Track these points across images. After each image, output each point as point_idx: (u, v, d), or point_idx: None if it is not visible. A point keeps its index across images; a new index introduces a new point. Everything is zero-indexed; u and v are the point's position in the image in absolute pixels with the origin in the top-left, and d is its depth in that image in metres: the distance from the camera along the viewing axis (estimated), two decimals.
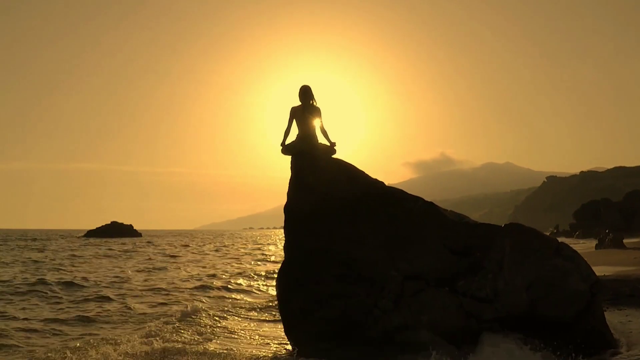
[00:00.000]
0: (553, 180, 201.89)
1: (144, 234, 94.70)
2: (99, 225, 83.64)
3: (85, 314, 12.05)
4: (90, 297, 14.67)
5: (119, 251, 40.59)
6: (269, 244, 60.00)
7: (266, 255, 37.93)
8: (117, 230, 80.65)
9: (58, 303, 13.83)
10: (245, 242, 67.80)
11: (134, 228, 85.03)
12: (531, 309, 7.34)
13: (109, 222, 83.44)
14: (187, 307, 12.49)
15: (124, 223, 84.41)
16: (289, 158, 8.79)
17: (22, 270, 22.11)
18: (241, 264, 29.49)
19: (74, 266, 25.47)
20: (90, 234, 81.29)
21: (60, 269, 23.28)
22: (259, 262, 30.72)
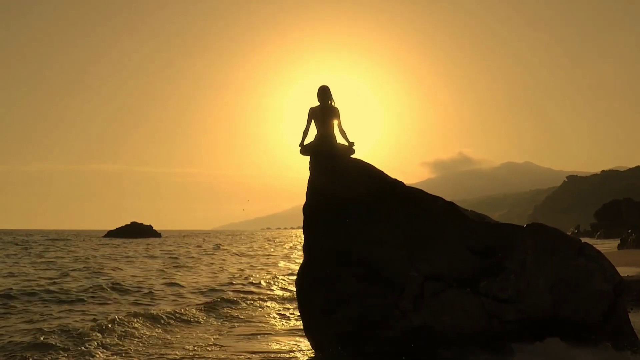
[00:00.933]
0: (573, 180, 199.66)
1: (163, 234, 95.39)
2: (119, 225, 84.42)
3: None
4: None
5: (161, 251, 40.82)
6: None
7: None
8: (137, 231, 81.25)
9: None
10: (280, 243, 67.44)
11: (154, 228, 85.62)
12: (554, 310, 7.26)
13: (129, 223, 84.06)
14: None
15: (144, 223, 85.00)
16: (306, 158, 8.78)
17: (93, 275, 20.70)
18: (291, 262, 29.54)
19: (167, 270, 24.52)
20: (111, 234, 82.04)
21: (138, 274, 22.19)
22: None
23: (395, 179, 8.25)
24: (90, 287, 16.12)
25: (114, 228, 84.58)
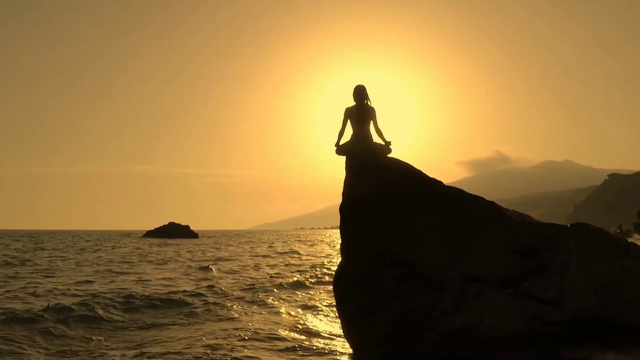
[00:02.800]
0: (615, 178, 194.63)
1: (200, 234, 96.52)
2: (157, 226, 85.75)
3: None
4: None
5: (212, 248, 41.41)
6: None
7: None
8: (174, 231, 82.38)
9: None
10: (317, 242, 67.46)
11: (190, 229, 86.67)
12: (599, 312, 7.06)
13: (167, 223, 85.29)
14: None
15: (181, 224, 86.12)
16: (341, 159, 8.75)
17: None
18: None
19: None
20: (150, 234, 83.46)
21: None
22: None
23: (434, 178, 8.15)
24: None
25: (152, 228, 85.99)
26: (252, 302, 13.77)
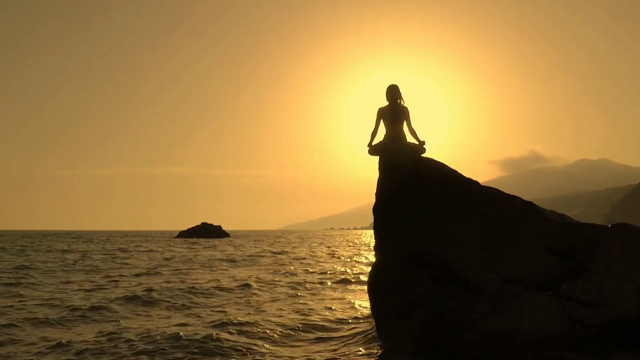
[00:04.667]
0: None
1: (231, 234, 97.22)
2: (190, 226, 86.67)
3: None
4: None
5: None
6: None
7: None
8: (207, 231, 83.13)
9: None
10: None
11: (222, 229, 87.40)
12: None
13: (199, 223, 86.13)
14: None
15: (213, 224, 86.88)
16: (372, 159, 8.71)
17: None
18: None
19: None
20: (183, 234, 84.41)
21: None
22: None
23: (470, 178, 8.04)
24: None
25: (186, 228, 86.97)
26: None
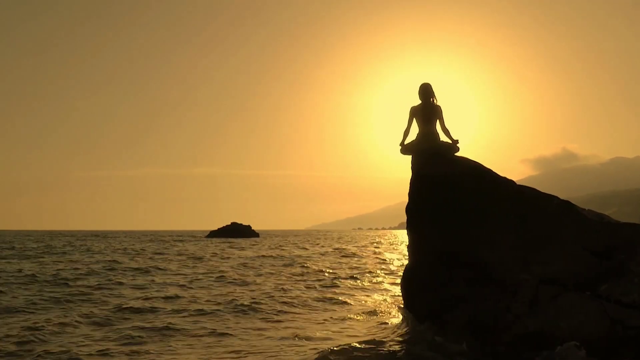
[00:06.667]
0: None
1: (260, 234, 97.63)
2: (219, 226, 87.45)
3: None
4: None
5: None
6: None
7: None
8: (237, 231, 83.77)
9: None
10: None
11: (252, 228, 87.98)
12: None
13: (229, 223, 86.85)
14: None
15: (242, 224, 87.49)
16: (403, 158, 8.66)
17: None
18: None
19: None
20: (213, 234, 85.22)
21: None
22: None
23: (505, 178, 7.93)
24: None
25: (215, 228, 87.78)
26: None
